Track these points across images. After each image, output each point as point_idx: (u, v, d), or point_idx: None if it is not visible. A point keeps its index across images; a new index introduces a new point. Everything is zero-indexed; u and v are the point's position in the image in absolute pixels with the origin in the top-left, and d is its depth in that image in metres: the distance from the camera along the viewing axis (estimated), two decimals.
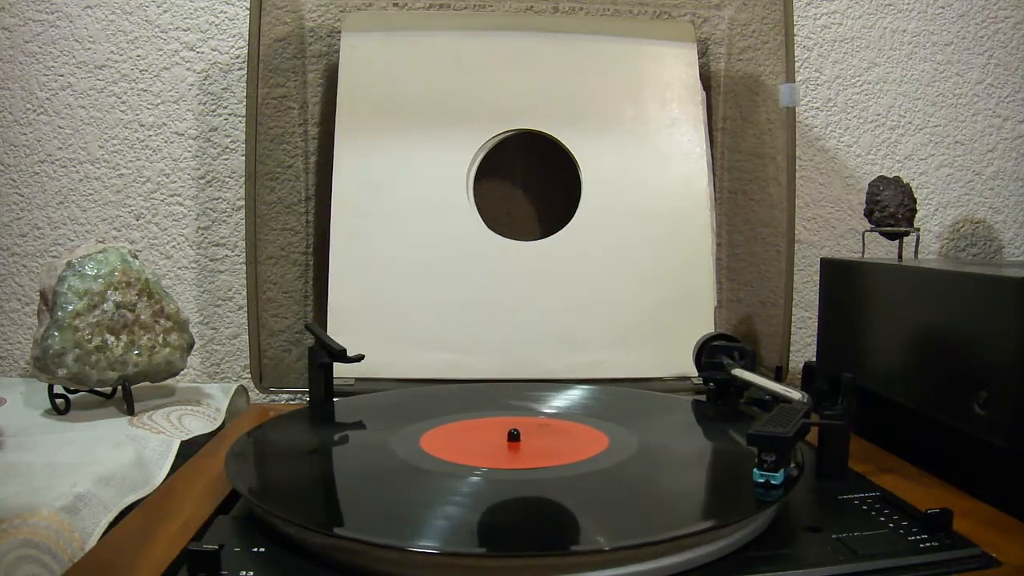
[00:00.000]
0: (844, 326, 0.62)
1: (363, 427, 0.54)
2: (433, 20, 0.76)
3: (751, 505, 0.38)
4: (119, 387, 0.62)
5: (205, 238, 0.79)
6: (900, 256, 0.69)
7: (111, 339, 0.60)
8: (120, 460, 0.51)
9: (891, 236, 0.68)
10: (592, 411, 0.56)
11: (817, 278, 0.68)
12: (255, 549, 0.37)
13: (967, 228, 0.88)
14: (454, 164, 0.72)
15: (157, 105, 0.78)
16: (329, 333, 0.64)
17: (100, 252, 0.62)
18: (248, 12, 0.69)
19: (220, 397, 0.69)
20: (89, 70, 0.77)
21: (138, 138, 0.78)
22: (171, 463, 0.54)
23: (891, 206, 0.67)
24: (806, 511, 0.42)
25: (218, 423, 0.63)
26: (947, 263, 0.64)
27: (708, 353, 0.61)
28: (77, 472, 0.48)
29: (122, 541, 0.39)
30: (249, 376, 0.73)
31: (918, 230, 0.69)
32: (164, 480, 0.51)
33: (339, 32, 0.75)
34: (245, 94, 0.71)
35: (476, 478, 0.42)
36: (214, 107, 0.78)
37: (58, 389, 0.61)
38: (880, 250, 0.81)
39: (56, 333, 0.58)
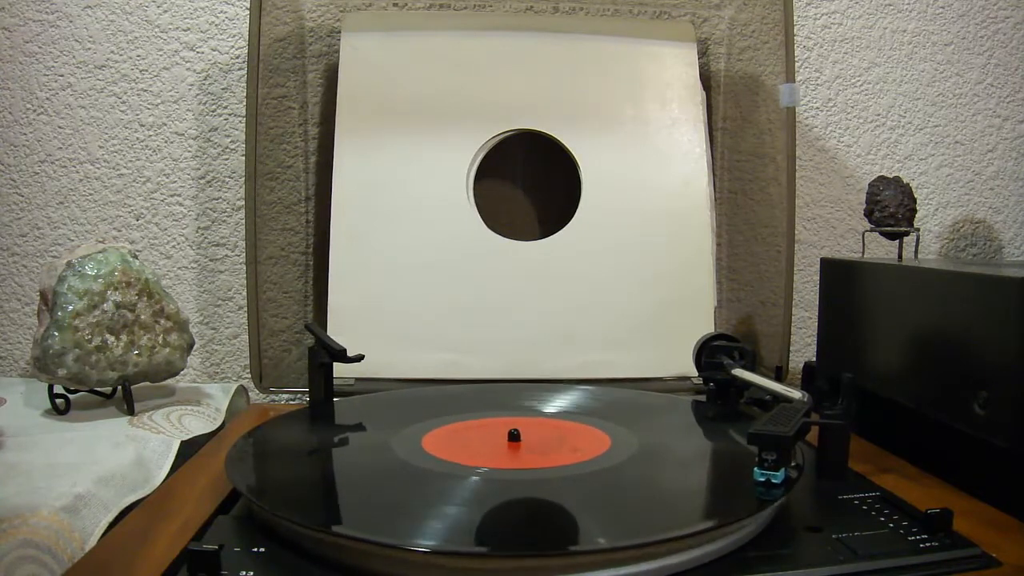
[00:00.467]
0: (844, 326, 0.62)
1: (363, 427, 0.54)
2: (433, 20, 0.76)
3: (752, 505, 0.38)
4: (119, 387, 0.62)
5: (205, 238, 0.79)
6: (900, 256, 0.69)
7: (111, 339, 0.60)
8: (120, 460, 0.51)
9: (891, 236, 0.68)
10: (592, 411, 0.56)
11: (817, 278, 0.68)
12: (255, 549, 0.37)
13: (967, 228, 0.88)
14: (454, 164, 0.72)
15: (157, 105, 0.78)
16: (329, 333, 0.64)
17: (100, 252, 0.62)
18: (248, 12, 0.69)
19: (220, 397, 0.69)
20: (89, 70, 0.77)
21: (138, 138, 0.78)
22: (171, 463, 0.54)
23: (891, 206, 0.67)
24: (806, 511, 0.42)
25: (218, 423, 0.63)
26: (947, 263, 0.64)
27: (708, 353, 0.61)
28: (77, 472, 0.48)
29: (122, 541, 0.39)
30: (249, 376, 0.73)
31: (918, 230, 0.69)
32: (164, 480, 0.51)
33: (339, 32, 0.75)
34: (245, 94, 0.71)
35: (476, 478, 0.42)
36: (214, 107, 0.78)
37: (58, 389, 0.61)
38: (880, 250, 0.81)
39: (56, 333, 0.58)
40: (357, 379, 0.66)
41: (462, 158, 0.72)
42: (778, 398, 0.50)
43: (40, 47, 0.76)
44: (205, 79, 0.78)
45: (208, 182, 0.78)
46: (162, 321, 0.64)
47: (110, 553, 0.38)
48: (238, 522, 0.40)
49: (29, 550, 0.40)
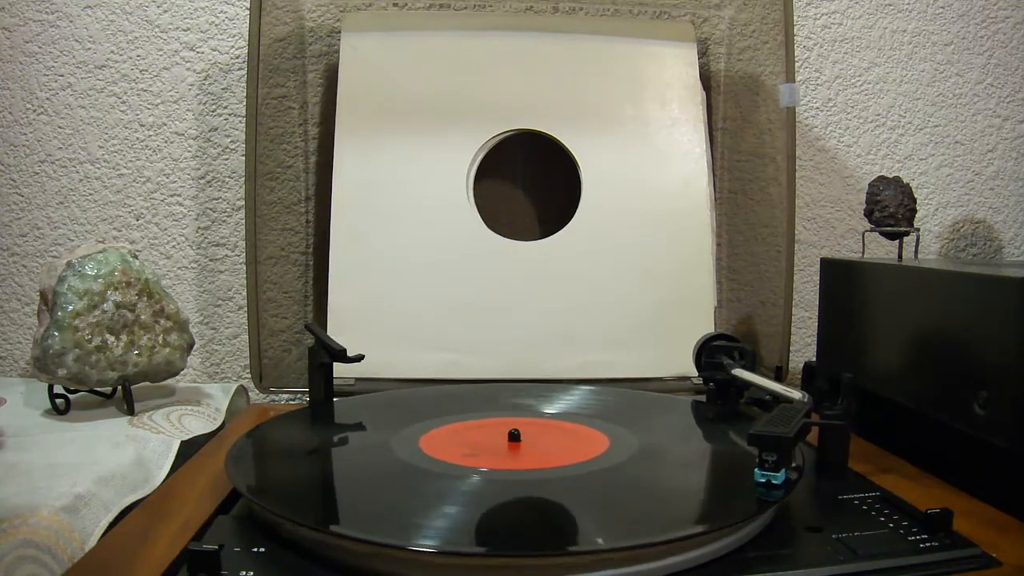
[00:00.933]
0: (844, 326, 0.62)
1: (363, 427, 0.54)
2: (433, 20, 0.76)
3: (752, 505, 0.38)
4: (119, 387, 0.62)
5: (205, 238, 0.79)
6: (900, 256, 0.69)
7: (111, 339, 0.60)
8: (120, 460, 0.51)
9: (891, 236, 0.68)
10: (592, 411, 0.56)
11: (817, 278, 0.68)
12: (255, 549, 0.37)
13: (967, 228, 0.88)
14: (454, 164, 0.72)
15: (157, 105, 0.78)
16: (329, 333, 0.64)
17: (100, 252, 0.62)
18: (248, 12, 0.69)
19: (220, 397, 0.69)
20: (89, 70, 0.77)
21: (138, 138, 0.78)
22: (171, 463, 0.54)
23: (891, 206, 0.67)
24: (806, 511, 0.42)
25: (218, 423, 0.63)
26: (947, 263, 0.64)
27: (708, 353, 0.61)
28: (77, 472, 0.48)
29: (122, 541, 0.39)
30: (249, 376, 0.73)
31: (918, 230, 0.69)
32: (164, 480, 0.51)
33: (339, 32, 0.75)
34: (245, 94, 0.71)
35: (476, 478, 0.42)
36: (214, 107, 0.78)
37: (58, 389, 0.61)
38: (880, 250, 0.81)
39: (56, 333, 0.58)
40: (357, 379, 0.66)
41: (462, 158, 0.72)
42: (778, 398, 0.50)
43: (40, 47, 0.76)
44: (205, 79, 0.78)
45: (208, 182, 0.78)
46: (162, 321, 0.64)
47: (110, 553, 0.38)
48: (238, 522, 0.40)
49: (29, 550, 0.40)
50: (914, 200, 0.67)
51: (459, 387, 0.64)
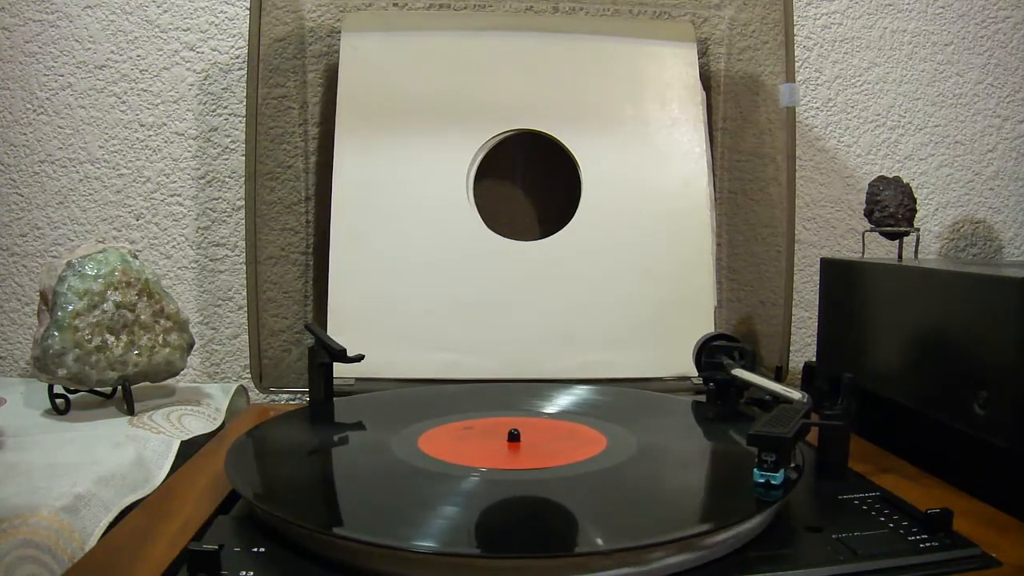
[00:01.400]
0: (844, 326, 0.62)
1: (363, 427, 0.54)
2: (433, 20, 0.76)
3: (751, 505, 0.38)
4: (119, 387, 0.62)
5: (205, 238, 0.79)
6: (900, 256, 0.69)
7: (111, 339, 0.60)
8: (120, 460, 0.51)
9: (891, 236, 0.68)
10: (592, 411, 0.56)
11: (817, 278, 0.68)
12: (255, 549, 0.37)
13: (967, 228, 0.88)
14: (454, 164, 0.72)
15: (157, 105, 0.78)
16: (329, 333, 0.64)
17: (100, 252, 0.62)
18: (248, 12, 0.69)
19: (220, 397, 0.69)
20: (89, 70, 0.77)
21: (138, 138, 0.78)
22: (171, 463, 0.54)
23: (891, 206, 0.67)
24: (806, 511, 0.42)
25: (218, 423, 0.63)
26: (947, 263, 0.64)
27: (708, 353, 0.61)
28: (77, 472, 0.48)
29: (122, 541, 0.39)
30: (249, 376, 0.73)
31: (918, 230, 0.69)
32: (164, 480, 0.51)
33: (339, 32, 0.75)
34: (245, 94, 0.71)
35: (476, 478, 0.42)
36: (214, 107, 0.78)
37: (58, 389, 0.61)
38: (880, 250, 0.81)
39: (56, 333, 0.58)
40: (357, 379, 0.66)
41: (462, 158, 0.72)
42: (778, 398, 0.50)
43: (40, 47, 0.76)
44: (205, 79, 0.78)
45: (208, 182, 0.78)
46: (162, 321, 0.64)
47: (110, 553, 0.38)
48: (238, 522, 0.40)
49: (29, 550, 0.40)
50: (914, 200, 0.67)
51: (459, 387, 0.64)
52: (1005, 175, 0.88)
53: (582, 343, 0.70)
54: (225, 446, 0.49)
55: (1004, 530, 0.41)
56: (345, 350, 0.58)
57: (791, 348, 0.73)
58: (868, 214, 0.68)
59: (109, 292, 0.60)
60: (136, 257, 0.64)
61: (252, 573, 0.34)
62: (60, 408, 0.61)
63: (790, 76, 0.71)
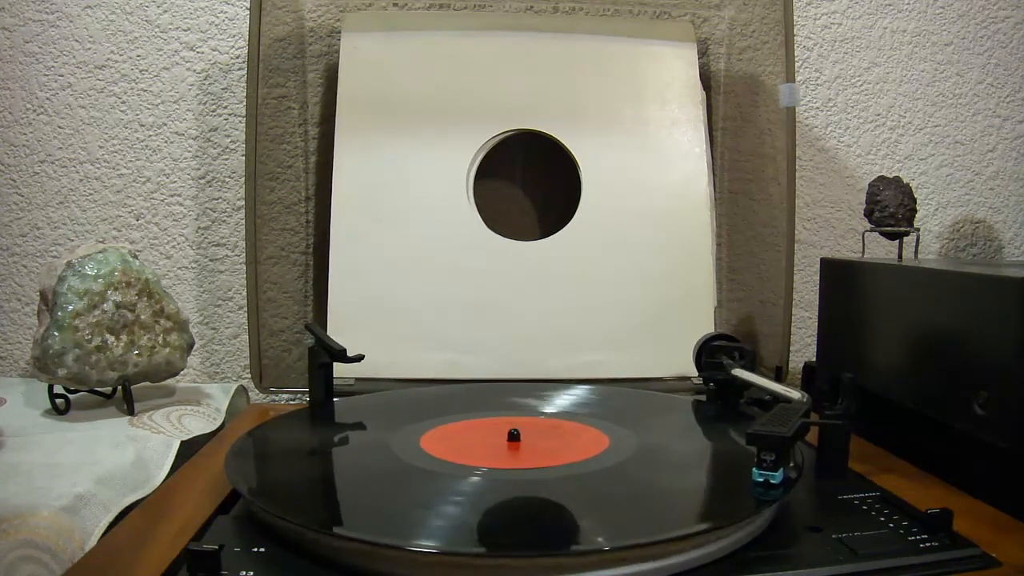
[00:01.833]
0: (844, 326, 0.62)
1: (363, 427, 0.54)
2: (433, 20, 0.76)
3: (751, 505, 0.38)
4: (119, 387, 0.62)
5: (205, 238, 0.79)
6: (900, 256, 0.69)
7: (111, 339, 0.60)
8: (120, 460, 0.51)
9: (891, 236, 0.68)
10: (592, 411, 0.56)
11: (817, 278, 0.68)
12: (255, 549, 0.37)
13: (967, 228, 0.88)
14: (454, 164, 0.72)
15: (157, 105, 0.78)
16: (329, 333, 0.64)
17: (100, 252, 0.62)
18: (248, 12, 0.69)
19: (220, 397, 0.69)
20: (89, 70, 0.77)
21: (138, 138, 0.78)
22: (171, 463, 0.54)
23: (891, 206, 0.67)
24: (806, 511, 0.42)
25: (218, 423, 0.63)
26: (947, 263, 0.64)
27: (708, 353, 0.61)
28: (77, 472, 0.48)
29: (122, 541, 0.39)
30: (249, 376, 0.73)
31: (918, 230, 0.69)
32: (164, 480, 0.51)
33: (339, 32, 0.75)
34: (245, 94, 0.71)
35: (476, 478, 0.42)
36: (214, 107, 0.78)
37: (58, 389, 0.61)
38: (880, 250, 0.81)
39: (56, 333, 0.58)
40: (357, 379, 0.66)
41: (462, 158, 0.72)
42: (778, 398, 0.50)
43: (40, 47, 0.76)
44: (205, 79, 0.78)
45: (208, 182, 0.78)
46: (162, 321, 0.64)
47: (110, 553, 0.38)
48: (238, 522, 0.40)
49: (29, 550, 0.40)
50: (914, 200, 0.67)
51: (459, 387, 0.64)
52: (1005, 175, 0.88)
53: (582, 343, 0.70)
54: (225, 446, 0.49)
55: (1004, 530, 0.41)
56: (345, 350, 0.58)
57: (791, 348, 0.73)
58: (868, 214, 0.68)
59: (109, 292, 0.60)
60: (136, 257, 0.64)
61: (252, 573, 0.34)
62: (60, 408, 0.61)
63: (790, 76, 0.71)
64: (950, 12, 0.86)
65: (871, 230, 0.69)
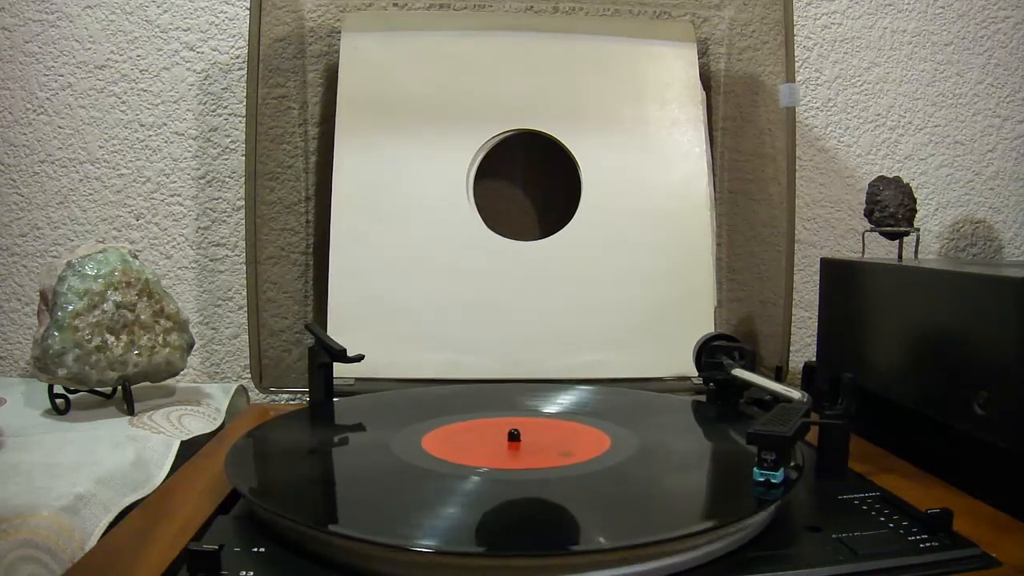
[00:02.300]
0: (844, 326, 0.62)
1: (363, 427, 0.54)
2: (433, 20, 0.76)
3: (751, 505, 0.38)
4: (119, 387, 0.62)
5: (205, 238, 0.79)
6: (900, 256, 0.69)
7: (111, 339, 0.60)
8: (120, 460, 0.51)
9: (891, 236, 0.68)
10: (592, 411, 0.56)
11: (817, 278, 0.68)
12: (255, 549, 0.37)
13: (967, 228, 0.88)
14: (454, 164, 0.72)
15: (157, 105, 0.78)
16: (329, 333, 0.64)
17: (100, 252, 0.62)
18: (248, 12, 0.69)
19: (220, 397, 0.69)
20: (89, 70, 0.77)
21: (138, 138, 0.78)
22: (171, 463, 0.54)
23: (891, 206, 0.67)
24: (806, 511, 0.42)
25: (218, 423, 0.63)
26: (947, 263, 0.64)
27: (708, 353, 0.61)
28: (77, 472, 0.48)
29: (122, 541, 0.39)
30: (249, 376, 0.73)
31: (918, 230, 0.69)
32: (164, 480, 0.51)
33: (339, 32, 0.75)
34: (245, 94, 0.71)
35: (477, 478, 0.42)
36: (214, 107, 0.78)
37: (58, 389, 0.61)
38: (880, 250, 0.81)
39: (56, 333, 0.58)
40: (357, 379, 0.66)
41: (462, 158, 0.72)
42: (778, 398, 0.50)
43: (40, 47, 0.76)
44: (205, 79, 0.78)
45: (208, 182, 0.78)
46: (162, 321, 0.64)
47: (110, 553, 0.38)
48: (238, 522, 0.40)
49: (29, 550, 0.40)
50: (914, 200, 0.68)
51: (459, 387, 0.64)
52: (1005, 175, 0.88)
53: (582, 343, 0.70)
54: (225, 446, 0.49)
55: (1004, 530, 0.41)
56: (345, 350, 0.58)
57: (791, 348, 0.73)
58: (868, 214, 0.68)
59: (109, 292, 0.60)
60: (136, 257, 0.64)
61: (252, 573, 0.34)
62: (60, 408, 0.61)
63: (790, 76, 0.71)
64: (950, 12, 0.86)
65: (871, 230, 0.69)
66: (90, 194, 0.78)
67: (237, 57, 0.77)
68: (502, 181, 0.78)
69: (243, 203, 0.73)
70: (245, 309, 0.75)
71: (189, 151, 0.78)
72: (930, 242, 0.87)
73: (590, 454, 0.46)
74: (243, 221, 0.73)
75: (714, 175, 0.77)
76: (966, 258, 0.88)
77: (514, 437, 0.48)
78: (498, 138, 0.73)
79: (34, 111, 0.77)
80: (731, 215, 0.81)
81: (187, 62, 0.77)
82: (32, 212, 0.78)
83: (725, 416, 0.57)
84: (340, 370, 0.59)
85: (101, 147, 0.77)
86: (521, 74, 0.74)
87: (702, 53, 0.80)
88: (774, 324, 0.75)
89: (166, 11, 0.77)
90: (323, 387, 0.58)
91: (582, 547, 0.35)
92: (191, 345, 0.66)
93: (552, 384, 0.63)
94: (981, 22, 0.86)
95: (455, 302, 0.70)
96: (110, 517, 0.46)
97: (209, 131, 0.78)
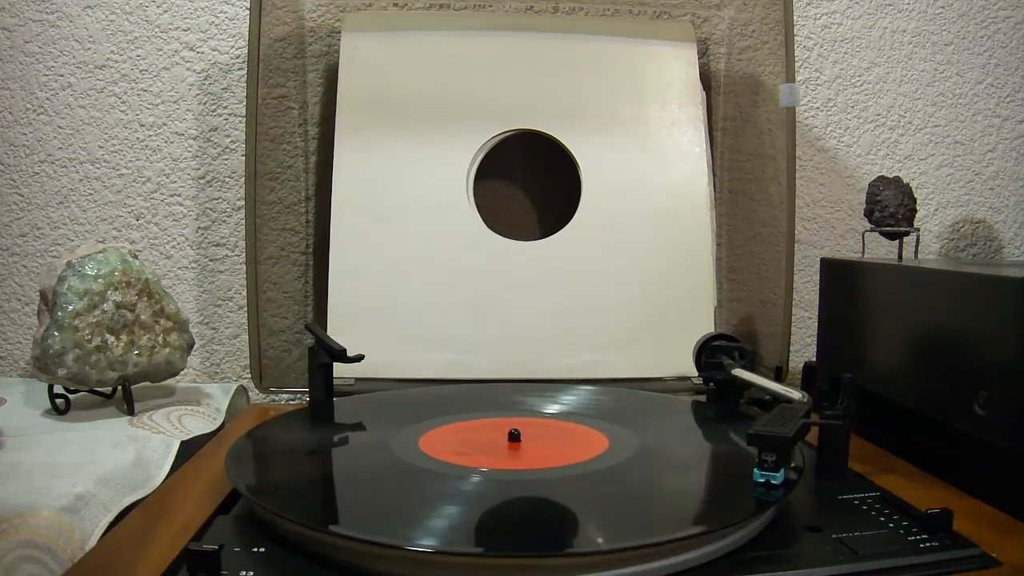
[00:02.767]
0: (844, 326, 0.62)
1: (363, 427, 0.54)
2: (433, 20, 0.76)
3: (751, 505, 0.38)
4: (119, 387, 0.62)
5: (205, 238, 0.79)
6: (900, 256, 0.69)
7: (111, 339, 0.60)
8: (120, 460, 0.51)
9: (891, 236, 0.68)
10: (592, 411, 0.56)
11: (817, 278, 0.68)
12: (255, 549, 0.37)
13: (967, 228, 0.88)
14: (454, 164, 0.72)
15: (157, 105, 0.78)
16: (329, 333, 0.64)
17: (100, 252, 0.62)
18: (248, 12, 0.69)
19: (220, 397, 0.69)
20: (89, 70, 0.77)
21: (138, 138, 0.78)
22: (171, 463, 0.54)
23: (891, 206, 0.67)
24: (806, 511, 0.42)
25: (218, 423, 0.63)
26: (947, 263, 0.64)
27: (708, 353, 0.61)
28: (77, 472, 0.48)
29: (122, 541, 0.39)
30: (249, 376, 0.73)
31: (918, 230, 0.69)
32: (164, 480, 0.51)
33: (339, 32, 0.75)
34: (245, 94, 0.71)
35: (476, 478, 0.42)
36: (214, 107, 0.78)
37: (58, 389, 0.61)
38: (880, 250, 0.81)
39: (56, 333, 0.58)
40: (357, 379, 0.66)
41: (462, 158, 0.72)
42: (778, 398, 0.50)
43: (40, 47, 0.76)
44: (205, 79, 0.78)
45: (208, 182, 0.78)
46: (162, 321, 0.64)
47: (110, 553, 0.38)
48: (238, 522, 0.40)
49: (29, 550, 0.40)
50: (914, 200, 0.67)
51: (459, 387, 0.64)
52: (1005, 175, 0.88)
53: (582, 343, 0.70)
54: (225, 446, 0.49)
55: (1004, 530, 0.41)
56: (345, 350, 0.58)
57: (791, 348, 0.73)
58: (868, 214, 0.68)
59: (109, 292, 0.60)
60: (136, 257, 0.64)
61: (252, 573, 0.34)
62: (60, 408, 0.61)
63: (790, 76, 0.71)
64: (950, 12, 0.86)
65: (871, 230, 0.69)
66: (90, 194, 0.78)
67: (237, 57, 0.77)
68: (502, 181, 0.78)
69: (243, 203, 0.73)
70: (245, 309, 0.75)
71: (189, 151, 0.78)
72: (930, 242, 0.87)
73: (590, 454, 0.46)
74: (243, 221, 0.73)
75: (714, 175, 0.77)
76: (966, 258, 0.88)
77: (514, 437, 0.48)
78: (498, 138, 0.73)
79: (34, 111, 0.77)
80: (731, 215, 0.81)
81: (187, 62, 0.77)
82: (32, 212, 0.78)
83: (725, 416, 0.57)
84: (340, 370, 0.59)
85: (101, 147, 0.78)
86: (521, 74, 0.74)
87: (702, 53, 0.80)
88: (774, 324, 0.75)
89: (166, 11, 0.77)
90: (323, 387, 0.58)
91: (582, 548, 0.35)
92: (191, 345, 0.66)
93: (552, 384, 0.63)
94: (981, 22, 0.86)
95: (455, 302, 0.70)
96: (110, 517, 0.46)
97: (209, 131, 0.78)
